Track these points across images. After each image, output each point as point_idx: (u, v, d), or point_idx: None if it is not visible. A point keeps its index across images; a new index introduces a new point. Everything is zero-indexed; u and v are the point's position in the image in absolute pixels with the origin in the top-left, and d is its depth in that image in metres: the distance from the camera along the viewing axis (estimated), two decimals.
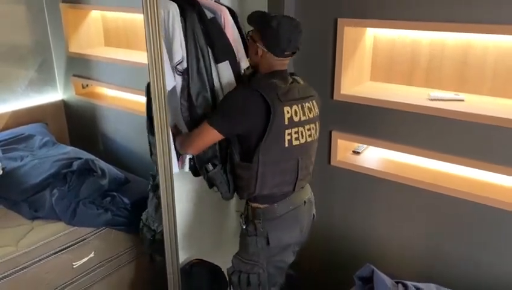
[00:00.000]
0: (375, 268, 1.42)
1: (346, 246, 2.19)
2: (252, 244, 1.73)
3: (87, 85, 3.15)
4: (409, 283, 1.40)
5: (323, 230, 2.19)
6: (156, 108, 1.61)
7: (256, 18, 1.67)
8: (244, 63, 1.89)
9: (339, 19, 1.90)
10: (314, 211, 1.89)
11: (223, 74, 1.78)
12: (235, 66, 1.82)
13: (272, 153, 1.60)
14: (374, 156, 2.13)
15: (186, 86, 1.69)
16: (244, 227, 1.78)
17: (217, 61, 1.75)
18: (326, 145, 2.10)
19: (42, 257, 1.94)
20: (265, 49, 1.62)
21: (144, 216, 2.09)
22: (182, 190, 2.14)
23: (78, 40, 3.05)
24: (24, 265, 1.88)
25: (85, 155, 2.33)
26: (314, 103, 1.74)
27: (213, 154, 1.78)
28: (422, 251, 1.97)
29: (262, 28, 1.62)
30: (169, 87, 1.68)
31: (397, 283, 1.41)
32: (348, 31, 1.91)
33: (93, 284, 2.17)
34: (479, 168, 1.77)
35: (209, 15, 1.77)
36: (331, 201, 2.18)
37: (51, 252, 1.97)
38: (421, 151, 1.87)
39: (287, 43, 1.60)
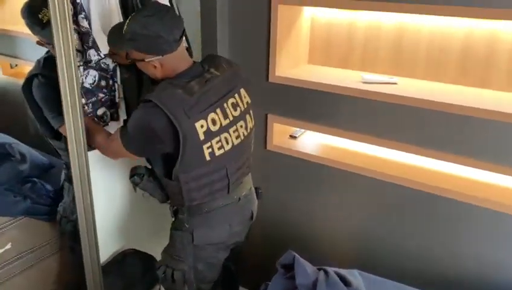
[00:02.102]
0: (296, 255, 1.36)
1: (280, 233, 2.14)
2: (177, 240, 1.63)
3: (16, 65, 2.94)
4: (331, 269, 1.35)
5: (258, 215, 2.13)
6: (65, 85, 1.45)
7: (116, 38, 1.47)
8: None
9: None
10: (253, 208, 1.74)
11: None
12: None
13: (193, 169, 1.46)
14: (310, 141, 2.08)
15: None
16: (173, 219, 1.68)
17: None
18: (262, 129, 2.03)
19: None
20: (159, 57, 1.41)
21: (60, 208, 1.95)
22: (112, 174, 2.01)
23: (1, 15, 2.82)
24: None
25: (4, 139, 2.15)
26: (242, 91, 1.58)
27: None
28: (355, 237, 1.95)
29: (133, 42, 1.40)
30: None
31: (319, 269, 1.36)
32: (283, 10, 1.84)
33: (11, 278, 2.01)
34: (410, 152, 1.76)
35: None
36: (266, 186, 2.11)
37: None
38: (356, 136, 1.84)
39: (168, 36, 1.38)
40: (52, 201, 2.06)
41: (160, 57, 1.41)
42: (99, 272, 1.82)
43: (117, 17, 1.63)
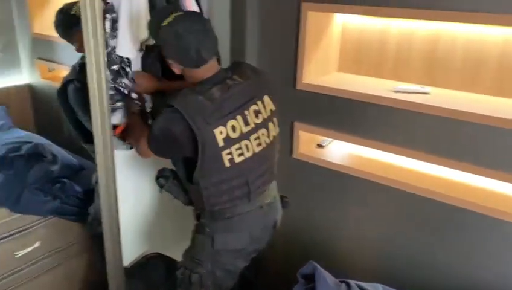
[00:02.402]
0: (317, 265, 1.32)
1: (304, 242, 2.10)
2: (198, 243, 1.63)
3: (53, 69, 3.03)
4: (353, 282, 1.30)
5: (281, 223, 2.09)
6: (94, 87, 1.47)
7: (152, 29, 1.51)
8: None
9: (302, 3, 1.80)
10: (277, 217, 1.71)
11: None
12: None
13: (213, 175, 1.46)
14: (338, 151, 2.04)
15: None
16: (195, 222, 1.68)
17: None
18: (288, 137, 2.00)
19: None
20: (179, 66, 1.47)
21: (91, 210, 1.98)
22: (139, 178, 2.03)
23: (43, 21, 2.92)
24: None
25: (38, 140, 2.22)
26: (266, 99, 1.55)
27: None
28: (381, 250, 1.89)
29: (163, 44, 1.46)
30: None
31: (341, 282, 1.31)
32: (313, 17, 1.81)
33: (38, 276, 2.06)
34: (442, 165, 1.68)
35: None
36: (291, 194, 2.07)
37: None
38: (385, 146, 1.77)
39: (196, 55, 1.41)
40: (81, 202, 2.10)
41: (181, 67, 1.48)
42: (122, 274, 1.82)
43: (144, 18, 1.63)
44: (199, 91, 1.42)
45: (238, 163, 1.46)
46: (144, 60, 1.73)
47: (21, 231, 1.95)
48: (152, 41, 1.67)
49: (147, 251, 2.27)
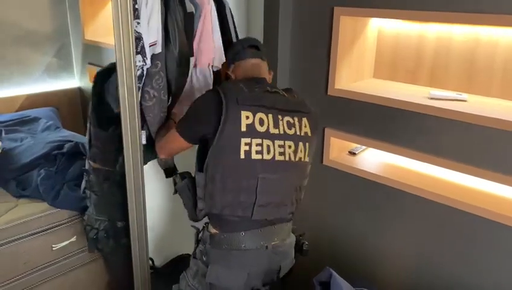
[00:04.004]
0: (333, 272, 1.28)
1: (328, 249, 2.05)
2: (194, 269, 1.54)
3: None
4: None
5: (309, 230, 2.05)
6: (124, 92, 1.54)
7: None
8: (218, 59, 1.84)
9: (335, 7, 1.77)
10: (283, 263, 1.53)
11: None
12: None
13: (224, 162, 1.37)
14: (370, 159, 1.98)
15: (156, 72, 1.63)
16: (195, 245, 1.60)
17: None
18: (319, 143, 1.97)
19: (20, 235, 1.92)
20: (231, 65, 1.62)
21: (85, 216, 2.01)
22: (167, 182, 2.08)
23: (94, 28, 3.07)
24: (1, 242, 1.87)
25: (80, 139, 2.32)
26: (304, 120, 1.48)
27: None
28: (411, 261, 1.80)
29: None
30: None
31: None
32: (346, 21, 1.79)
33: (74, 269, 2.13)
34: (479, 177, 1.59)
35: (189, 8, 1.70)
36: (321, 201, 2.05)
37: (30, 232, 1.95)
38: (419, 155, 1.71)
39: (241, 47, 1.61)
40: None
41: (232, 63, 1.61)
42: (148, 275, 1.86)
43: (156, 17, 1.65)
44: (242, 81, 1.49)
45: (254, 161, 1.37)
46: None
47: (59, 225, 2.03)
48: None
49: (177, 253, 2.31)
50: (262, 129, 1.38)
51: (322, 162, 1.99)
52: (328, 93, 1.88)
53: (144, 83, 1.63)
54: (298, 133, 1.46)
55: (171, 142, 1.56)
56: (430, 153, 1.66)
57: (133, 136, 1.64)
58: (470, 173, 1.59)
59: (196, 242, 1.58)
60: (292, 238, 1.57)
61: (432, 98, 1.69)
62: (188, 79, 1.78)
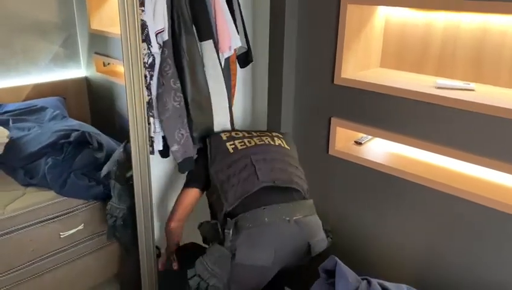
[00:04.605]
0: (338, 260, 1.29)
1: (334, 239, 2.05)
2: (217, 254, 1.55)
3: (108, 63, 3.18)
4: (376, 280, 1.26)
5: None
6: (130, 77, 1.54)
7: None
8: (235, 42, 1.80)
9: None
10: (312, 241, 1.58)
11: (207, 53, 1.69)
12: (216, 46, 1.73)
13: (221, 160, 1.65)
14: (377, 149, 1.98)
15: (164, 60, 1.62)
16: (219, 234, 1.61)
17: (200, 39, 1.67)
18: (324, 133, 1.97)
19: (28, 223, 1.95)
20: None
21: (108, 206, 2.04)
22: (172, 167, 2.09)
23: (100, 18, 3.08)
24: (9, 230, 1.90)
25: (87, 128, 2.33)
26: (276, 138, 1.80)
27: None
28: (416, 252, 1.80)
29: None
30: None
31: (363, 279, 1.27)
32: (353, 10, 1.77)
33: (82, 257, 2.16)
34: (487, 166, 1.57)
35: None
36: (326, 191, 2.05)
37: (38, 220, 1.97)
38: (425, 145, 1.70)
39: None
40: None
41: None
42: (154, 262, 1.88)
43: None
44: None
45: (241, 149, 1.67)
46: None
47: (66, 213, 2.06)
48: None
49: (182, 241, 2.31)
50: (239, 135, 1.76)
51: (327, 152, 1.99)
52: (334, 83, 1.87)
53: (155, 71, 1.63)
54: (270, 141, 1.77)
55: (180, 203, 1.74)
56: (437, 142, 1.65)
57: (139, 126, 1.64)
58: (478, 163, 1.58)
59: (221, 232, 1.58)
60: (318, 218, 1.65)
61: (438, 88, 1.67)
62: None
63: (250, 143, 1.71)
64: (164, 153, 1.79)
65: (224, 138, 1.72)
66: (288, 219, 1.53)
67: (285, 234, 1.53)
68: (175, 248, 1.82)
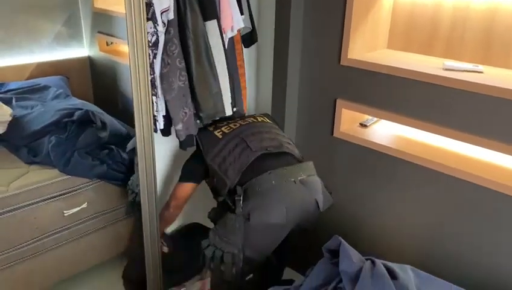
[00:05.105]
0: (343, 240, 1.29)
1: (337, 221, 2.06)
2: (230, 223, 1.62)
3: (111, 42, 3.15)
4: (379, 260, 1.26)
5: None
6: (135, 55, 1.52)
7: None
8: (237, 23, 1.77)
9: None
10: (318, 197, 1.68)
11: (211, 32, 1.67)
12: (220, 26, 1.71)
13: (213, 147, 1.72)
14: (382, 131, 1.96)
15: (169, 39, 1.60)
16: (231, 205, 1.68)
17: (205, 19, 1.65)
18: (330, 115, 1.95)
19: (32, 201, 1.95)
20: None
21: (130, 181, 2.05)
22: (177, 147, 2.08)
23: None
24: (13, 207, 1.90)
25: (90, 107, 2.32)
26: (258, 118, 1.89)
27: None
28: (416, 235, 1.81)
29: None
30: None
31: (367, 259, 1.27)
32: None
33: (86, 235, 2.17)
34: (494, 149, 1.56)
35: None
36: (329, 173, 2.04)
37: (42, 198, 1.98)
38: (432, 127, 1.68)
39: None
40: (126, 169, 2.18)
41: None
42: (157, 243, 1.88)
43: None
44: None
45: (228, 133, 1.75)
46: None
47: (70, 191, 2.06)
48: None
49: (185, 222, 2.32)
50: (223, 123, 1.85)
51: (332, 134, 1.98)
52: (341, 63, 1.85)
53: (159, 50, 1.62)
54: (254, 119, 1.86)
55: (175, 197, 1.83)
56: (444, 125, 1.64)
57: (143, 106, 1.62)
58: (485, 146, 1.57)
59: (232, 203, 1.65)
60: (319, 179, 1.73)
61: (446, 69, 1.65)
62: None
63: (236, 125, 1.79)
64: (165, 131, 1.78)
65: (211, 128, 1.80)
66: (293, 179, 1.62)
67: (294, 192, 1.63)
68: (162, 233, 1.97)
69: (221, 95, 1.79)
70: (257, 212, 1.58)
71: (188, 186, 1.82)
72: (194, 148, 1.86)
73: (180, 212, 1.91)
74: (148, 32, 1.57)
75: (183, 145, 1.81)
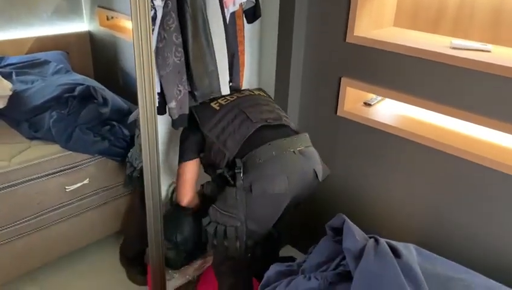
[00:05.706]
0: (346, 218, 1.29)
1: (340, 199, 2.06)
2: (230, 196, 1.60)
3: (111, 17, 3.10)
4: (383, 239, 1.26)
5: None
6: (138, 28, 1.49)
7: None
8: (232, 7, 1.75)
9: None
10: (316, 168, 1.68)
11: (211, 8, 1.64)
12: (221, 1, 1.67)
13: (210, 119, 1.69)
14: (386, 110, 1.95)
15: (167, 13, 1.56)
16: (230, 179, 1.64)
17: None
18: (334, 93, 1.94)
19: (33, 176, 1.95)
20: None
21: (129, 153, 2.03)
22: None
23: None
24: (14, 182, 1.90)
25: (91, 83, 2.30)
26: (255, 91, 1.88)
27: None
28: (423, 213, 1.81)
29: None
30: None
31: (370, 237, 1.27)
32: None
33: (87, 211, 2.18)
34: (500, 130, 1.55)
35: None
36: (332, 152, 2.03)
37: (43, 173, 1.97)
38: (438, 106, 1.66)
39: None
40: (128, 145, 2.17)
41: None
42: (160, 219, 1.88)
43: None
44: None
45: (226, 104, 1.73)
46: None
47: (72, 167, 2.05)
48: None
49: None
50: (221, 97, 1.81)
51: (336, 113, 1.96)
52: (347, 41, 1.82)
53: (156, 25, 1.58)
54: (251, 93, 1.85)
55: (180, 178, 1.77)
56: (450, 104, 1.62)
57: (146, 82, 1.60)
58: (492, 127, 1.55)
59: (232, 178, 1.62)
60: (315, 150, 1.74)
61: (453, 48, 1.63)
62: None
63: (232, 98, 1.78)
64: (160, 109, 1.75)
65: (207, 100, 1.77)
66: (292, 150, 1.63)
67: (294, 162, 1.63)
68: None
69: (217, 74, 1.74)
70: (259, 183, 1.57)
71: (191, 165, 1.75)
72: None
73: (195, 194, 1.83)
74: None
75: (175, 124, 1.75)
